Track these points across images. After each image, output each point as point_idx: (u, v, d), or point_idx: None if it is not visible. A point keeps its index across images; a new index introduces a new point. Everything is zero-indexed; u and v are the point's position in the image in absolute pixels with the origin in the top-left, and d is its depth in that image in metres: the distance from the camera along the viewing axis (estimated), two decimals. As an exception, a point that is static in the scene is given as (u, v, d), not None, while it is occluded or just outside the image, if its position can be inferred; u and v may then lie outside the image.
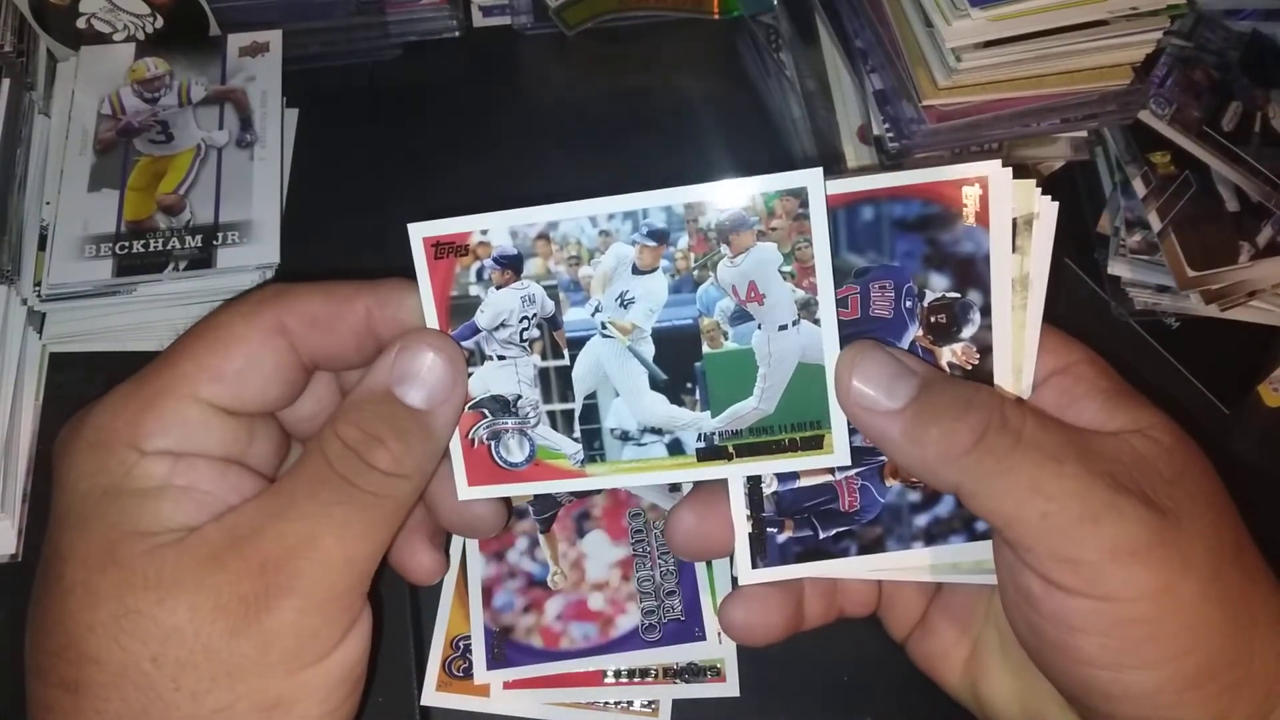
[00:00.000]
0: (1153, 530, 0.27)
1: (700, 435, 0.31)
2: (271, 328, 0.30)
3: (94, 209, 0.52)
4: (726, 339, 0.30)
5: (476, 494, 0.32)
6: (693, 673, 0.44)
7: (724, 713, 0.44)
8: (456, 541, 0.47)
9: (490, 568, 0.46)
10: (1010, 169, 0.30)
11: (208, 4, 0.56)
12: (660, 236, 0.30)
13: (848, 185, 0.30)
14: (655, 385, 0.31)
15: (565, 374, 0.31)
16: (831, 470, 0.32)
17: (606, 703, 0.44)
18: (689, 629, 0.45)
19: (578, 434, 0.31)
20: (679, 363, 0.31)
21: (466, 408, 0.31)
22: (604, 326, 0.31)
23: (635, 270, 0.30)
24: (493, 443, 0.32)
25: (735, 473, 0.31)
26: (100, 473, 0.28)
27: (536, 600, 0.45)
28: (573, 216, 0.30)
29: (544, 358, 0.31)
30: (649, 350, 0.31)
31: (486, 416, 0.31)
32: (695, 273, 0.30)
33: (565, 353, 0.31)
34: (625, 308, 0.30)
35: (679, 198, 0.30)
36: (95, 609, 0.26)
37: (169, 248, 0.51)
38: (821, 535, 0.32)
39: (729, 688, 0.44)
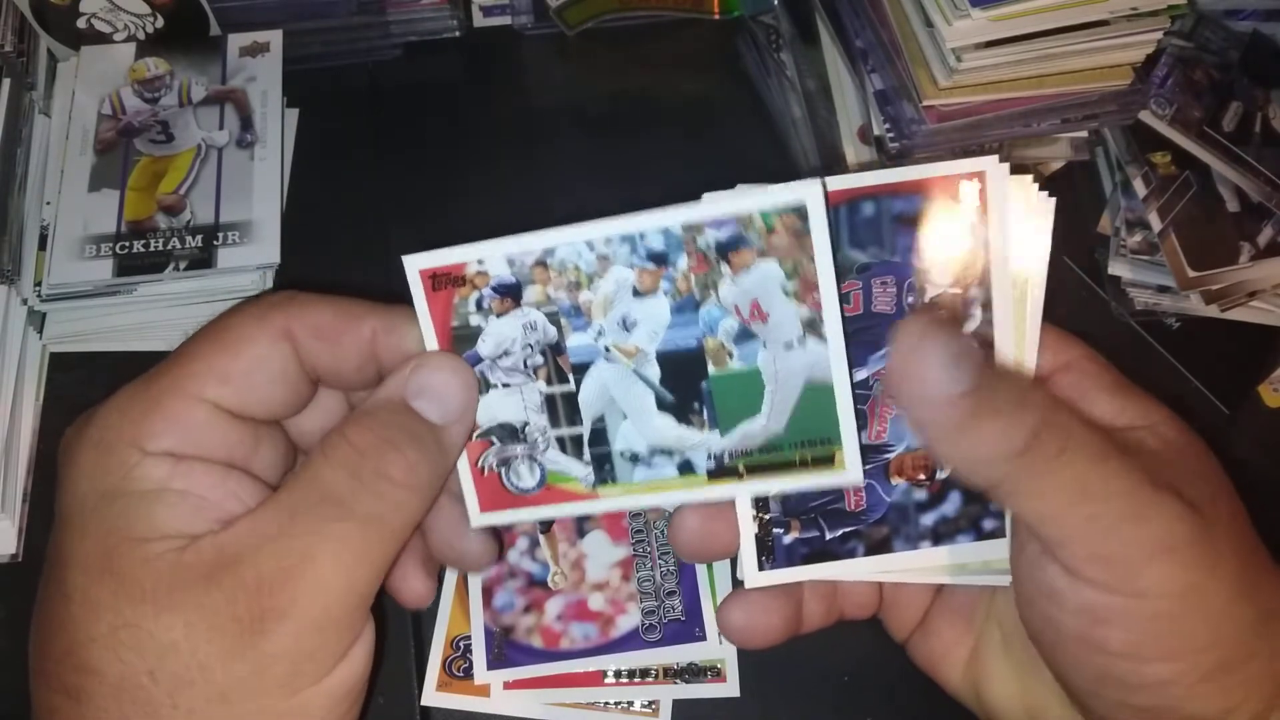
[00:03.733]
0: (1191, 526, 0.27)
1: (710, 455, 0.31)
2: (279, 331, 0.30)
3: (94, 209, 0.52)
4: (732, 359, 0.30)
5: (489, 520, 0.32)
6: (693, 673, 0.44)
7: (724, 713, 0.44)
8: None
9: (490, 568, 0.46)
10: (1008, 164, 0.30)
11: (208, 4, 0.56)
12: (659, 259, 0.29)
13: (848, 181, 0.30)
14: (662, 406, 0.31)
15: (571, 399, 0.31)
16: None
17: (606, 703, 0.44)
18: (689, 629, 0.45)
19: (588, 457, 0.31)
20: (685, 383, 0.30)
21: (474, 436, 0.31)
22: (607, 350, 0.30)
23: (636, 293, 0.30)
24: (503, 469, 0.31)
25: (747, 491, 0.31)
26: (101, 473, 0.28)
27: (537, 600, 0.45)
28: (569, 241, 0.29)
29: (549, 383, 0.31)
30: (654, 372, 0.30)
31: (495, 444, 0.31)
32: (697, 293, 0.30)
33: (570, 378, 0.31)
34: (628, 331, 0.30)
35: (676, 218, 0.29)
36: (95, 619, 0.26)
37: (169, 248, 0.51)
38: (828, 536, 0.32)
39: (729, 688, 0.44)
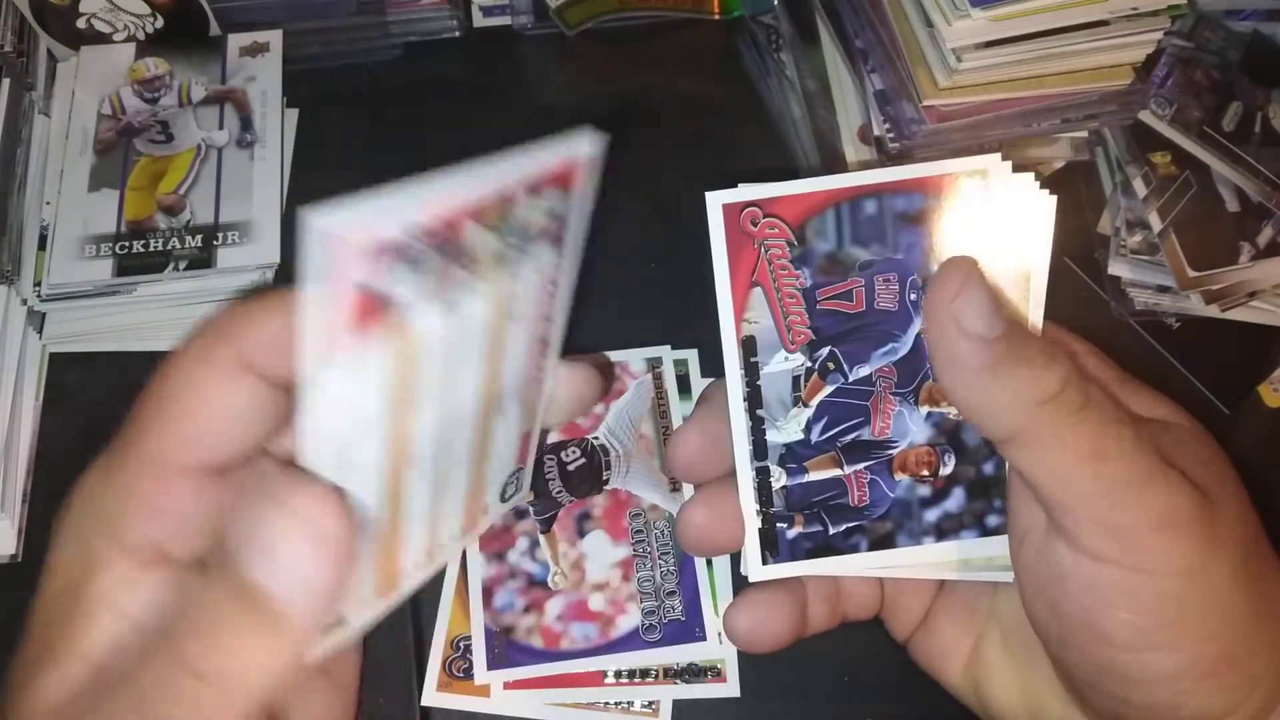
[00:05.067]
0: (1195, 503, 0.27)
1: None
2: (232, 367, 0.26)
3: (94, 209, 0.52)
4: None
5: None
6: (693, 673, 0.44)
7: (724, 713, 0.44)
8: (457, 541, 0.47)
9: (491, 568, 0.46)
10: (1010, 162, 0.30)
11: (208, 4, 0.56)
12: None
13: (851, 180, 0.30)
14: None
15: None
16: (840, 464, 0.32)
17: (607, 703, 0.44)
18: (689, 629, 0.45)
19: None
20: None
21: None
22: None
23: None
24: None
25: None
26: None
27: (537, 600, 0.45)
28: None
29: None
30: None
31: None
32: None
33: None
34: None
35: None
36: None
37: (169, 248, 0.51)
38: (831, 531, 0.32)
39: (729, 688, 0.44)
